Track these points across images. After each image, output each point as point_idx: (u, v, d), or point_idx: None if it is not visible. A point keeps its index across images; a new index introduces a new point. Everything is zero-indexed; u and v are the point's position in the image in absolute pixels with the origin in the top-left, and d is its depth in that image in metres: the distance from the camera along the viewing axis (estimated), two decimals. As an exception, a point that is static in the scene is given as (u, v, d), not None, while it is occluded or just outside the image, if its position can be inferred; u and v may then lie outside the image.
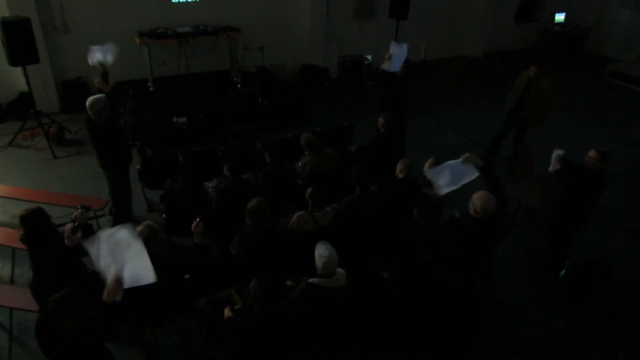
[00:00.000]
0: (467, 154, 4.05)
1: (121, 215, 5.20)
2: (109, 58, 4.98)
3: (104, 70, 4.92)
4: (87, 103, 4.62)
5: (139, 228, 3.41)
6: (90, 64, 5.00)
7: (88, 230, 3.74)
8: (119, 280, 2.67)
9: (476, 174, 3.97)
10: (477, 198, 3.69)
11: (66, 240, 3.24)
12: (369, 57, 10.01)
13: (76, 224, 3.64)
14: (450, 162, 4.07)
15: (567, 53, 12.02)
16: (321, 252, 3.37)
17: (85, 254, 2.93)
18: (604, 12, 12.36)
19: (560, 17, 12.24)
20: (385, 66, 5.96)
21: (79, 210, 3.66)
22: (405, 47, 5.87)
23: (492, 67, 11.29)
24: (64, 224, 3.73)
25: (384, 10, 9.35)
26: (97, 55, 4.95)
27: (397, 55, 5.89)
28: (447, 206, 4.79)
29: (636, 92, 10.26)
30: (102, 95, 4.76)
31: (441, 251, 4.01)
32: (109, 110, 4.71)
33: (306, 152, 5.09)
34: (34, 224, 3.49)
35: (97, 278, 2.91)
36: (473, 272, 4.12)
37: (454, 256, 3.89)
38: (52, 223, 3.63)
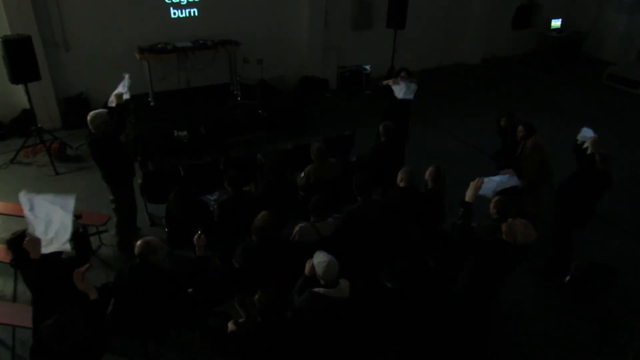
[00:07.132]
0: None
1: (126, 229, 5.19)
2: (126, 89, 5.07)
3: (119, 100, 4.91)
4: (89, 117, 4.66)
5: (137, 243, 3.41)
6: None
7: (81, 240, 3.75)
8: (35, 239, 3.10)
9: (516, 182, 4.57)
10: (519, 231, 3.50)
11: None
12: (368, 67, 10.06)
13: None
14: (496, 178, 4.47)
15: (565, 57, 12.05)
16: (319, 259, 3.38)
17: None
18: (599, 17, 12.39)
19: (556, 23, 12.26)
20: (390, 82, 6.36)
21: None
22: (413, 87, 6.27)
23: (490, 74, 11.33)
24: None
25: (381, 20, 9.42)
26: (122, 90, 5.02)
27: (404, 87, 6.23)
28: (449, 212, 4.78)
29: (634, 94, 10.27)
30: (104, 110, 4.80)
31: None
32: (113, 124, 4.74)
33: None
34: (21, 248, 3.41)
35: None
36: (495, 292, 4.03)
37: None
38: None
